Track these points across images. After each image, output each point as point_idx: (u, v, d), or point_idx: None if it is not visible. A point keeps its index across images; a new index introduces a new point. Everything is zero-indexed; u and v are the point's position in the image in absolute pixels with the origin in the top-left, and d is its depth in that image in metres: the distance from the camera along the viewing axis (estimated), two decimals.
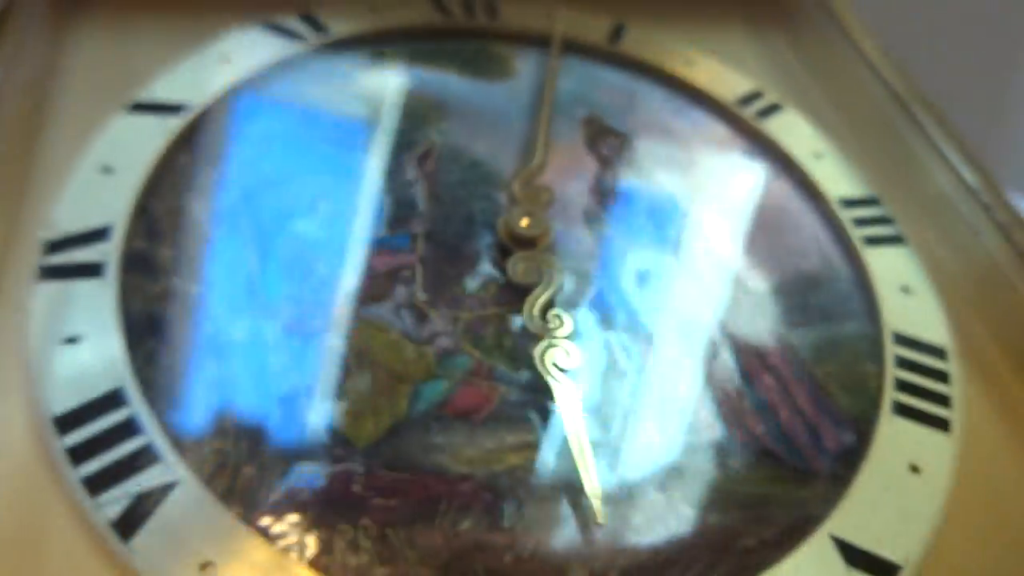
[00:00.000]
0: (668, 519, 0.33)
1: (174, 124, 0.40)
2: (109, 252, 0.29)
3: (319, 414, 0.33)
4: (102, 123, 0.40)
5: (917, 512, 0.33)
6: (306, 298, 0.36)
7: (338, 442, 0.32)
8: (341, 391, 0.34)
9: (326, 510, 0.30)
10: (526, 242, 0.39)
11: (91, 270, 0.30)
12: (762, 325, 0.39)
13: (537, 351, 0.34)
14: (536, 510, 0.31)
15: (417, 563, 0.29)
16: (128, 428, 0.26)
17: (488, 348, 0.37)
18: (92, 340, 0.27)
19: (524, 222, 0.38)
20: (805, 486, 0.34)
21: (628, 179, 0.45)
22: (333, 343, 0.35)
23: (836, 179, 0.47)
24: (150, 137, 0.40)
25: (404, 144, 0.44)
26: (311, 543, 0.29)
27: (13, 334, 0.33)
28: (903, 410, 0.36)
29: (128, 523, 0.24)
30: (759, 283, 0.41)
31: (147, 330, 0.34)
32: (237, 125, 0.42)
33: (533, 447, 0.33)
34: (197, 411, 0.32)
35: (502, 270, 0.39)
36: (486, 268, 0.39)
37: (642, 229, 0.43)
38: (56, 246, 0.29)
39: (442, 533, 0.30)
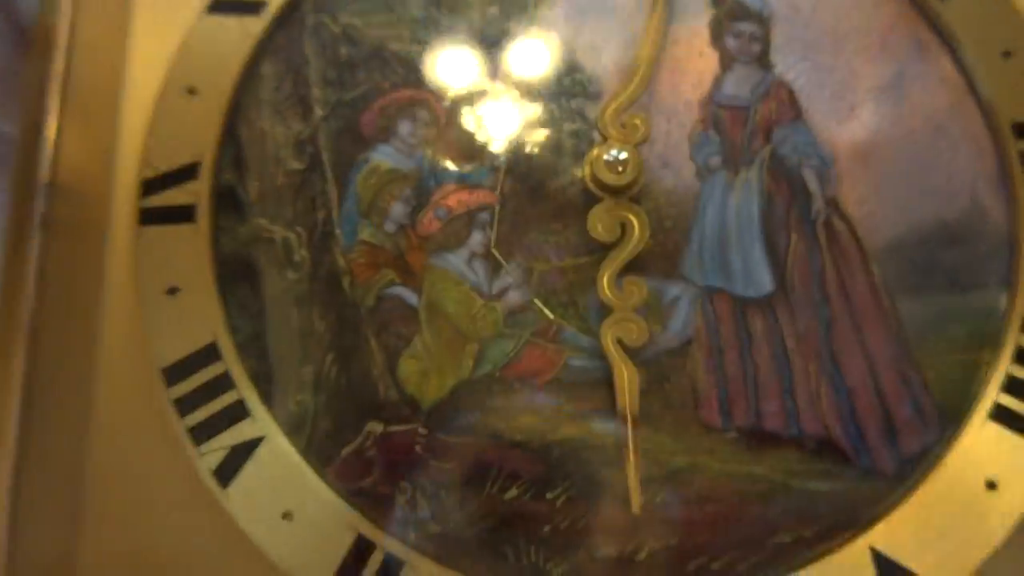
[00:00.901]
0: (707, 506, 0.34)
1: (254, 27, 0.39)
2: (200, 192, 0.31)
3: (391, 371, 0.36)
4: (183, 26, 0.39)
5: (976, 535, 0.32)
6: (383, 243, 0.37)
7: (406, 401, 0.36)
8: (413, 347, 0.36)
9: (391, 468, 0.34)
10: (612, 189, 0.37)
11: (185, 214, 0.33)
12: (868, 287, 0.37)
13: (605, 324, 0.35)
14: (580, 486, 0.34)
15: (465, 525, 0.33)
16: (223, 382, 0.29)
17: (559, 306, 0.37)
18: (190, 291, 0.30)
19: (607, 173, 0.36)
20: (863, 486, 0.34)
21: (751, 88, 0.40)
22: (408, 296, 0.37)
23: (1018, 93, 0.39)
24: (231, 45, 0.39)
25: (493, 38, 0.40)
26: (376, 498, 0.34)
27: (123, 279, 0.36)
28: (1002, 415, 0.34)
29: (224, 472, 0.28)
30: (881, 233, 0.37)
31: (239, 275, 0.37)
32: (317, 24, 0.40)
33: (588, 419, 0.35)
34: (283, 363, 0.36)
35: (586, 219, 0.37)
36: (570, 211, 0.37)
37: (755, 161, 0.39)
38: (152, 186, 0.31)
39: (489, 499, 0.33)
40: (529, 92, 0.38)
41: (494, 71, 0.39)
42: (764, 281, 0.36)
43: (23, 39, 0.39)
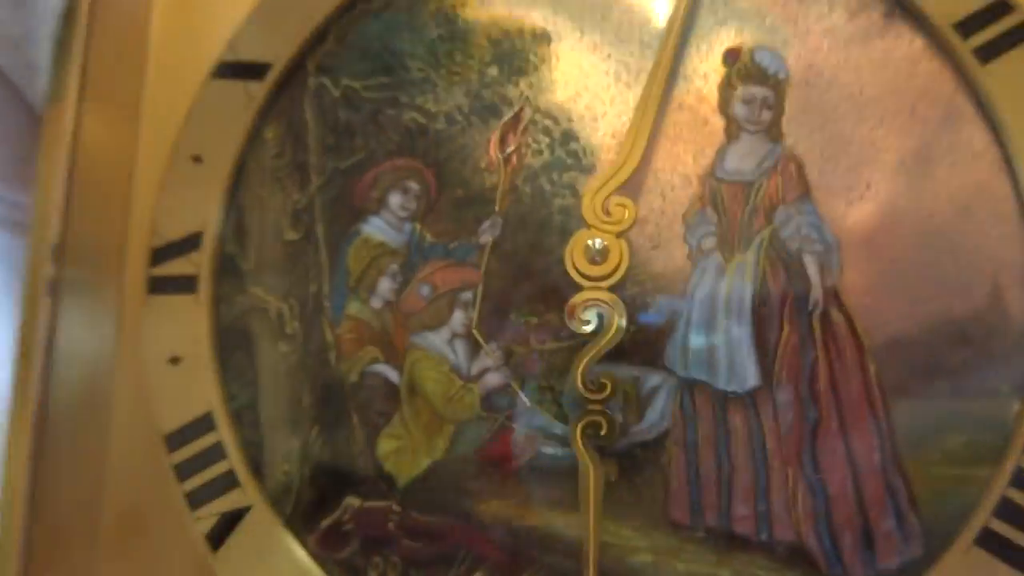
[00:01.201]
0: None
1: (258, 91, 0.41)
2: (202, 262, 0.33)
3: (371, 447, 0.38)
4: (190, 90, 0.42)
5: None
6: (369, 319, 0.39)
7: (383, 477, 0.38)
8: (393, 425, 0.38)
9: (366, 542, 0.37)
10: (591, 278, 0.38)
11: (188, 283, 0.34)
12: (861, 387, 0.35)
13: (577, 417, 0.36)
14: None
15: None
16: (217, 452, 0.32)
17: (535, 391, 0.38)
18: (190, 360, 0.33)
19: (585, 263, 0.36)
20: None
21: (757, 162, 0.38)
22: (389, 373, 0.39)
23: None
24: (235, 111, 0.41)
25: (489, 103, 0.40)
26: (352, 570, 0.36)
27: (131, 347, 0.40)
28: (991, 541, 0.32)
29: (215, 537, 0.31)
30: (883, 328, 0.35)
31: (236, 344, 0.40)
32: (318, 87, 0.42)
33: (555, 509, 0.36)
34: (274, 432, 0.39)
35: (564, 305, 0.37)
36: (552, 293, 0.38)
37: (753, 244, 0.37)
38: (159, 255, 0.33)
39: None
40: (520, 164, 0.38)
41: (486, 140, 0.38)
42: (749, 376, 0.35)
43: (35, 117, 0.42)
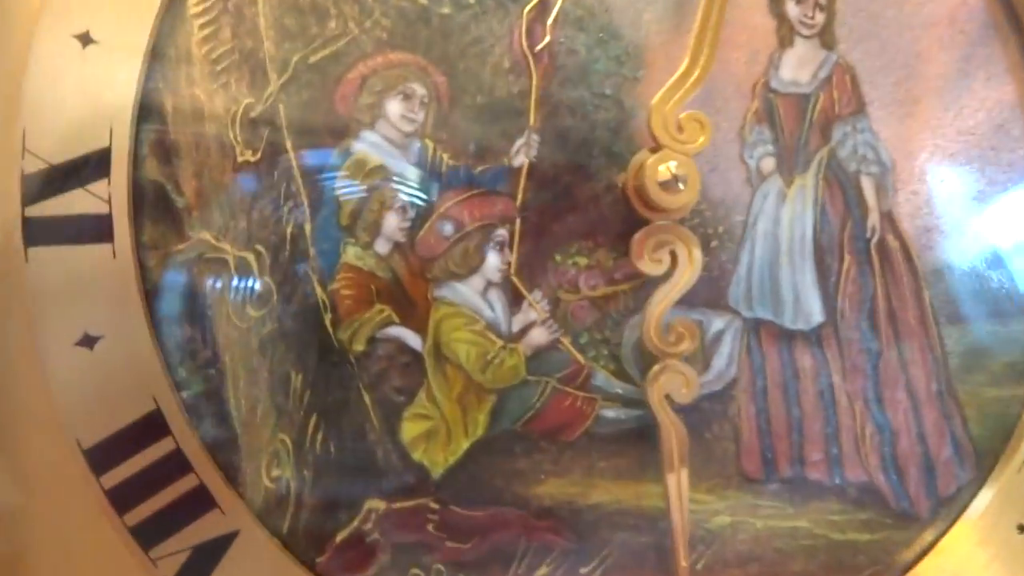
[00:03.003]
0: (749, 567, 0.32)
1: None
2: (114, 195, 0.22)
3: (392, 434, 0.30)
4: None
5: None
6: (375, 268, 0.30)
7: (412, 469, 0.31)
8: (418, 403, 0.30)
9: (398, 551, 0.30)
10: (662, 210, 0.32)
11: (94, 227, 0.22)
12: (917, 316, 0.33)
13: (651, 376, 0.31)
14: (617, 557, 0.30)
15: None
16: (174, 463, 0.22)
17: (591, 345, 0.32)
18: (113, 339, 0.22)
19: (661, 193, 0.30)
20: (899, 533, 0.33)
21: (812, 71, 0.34)
22: (408, 338, 0.30)
23: None
24: None
25: None
26: None
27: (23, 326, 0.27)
28: None
29: None
30: (933, 252, 0.34)
31: (181, 313, 0.28)
32: None
33: (624, 478, 0.31)
34: (251, 429, 0.29)
35: (625, 240, 0.31)
36: (602, 226, 0.32)
37: (811, 165, 0.34)
38: (39, 186, 0.22)
39: None
40: (553, 65, 0.30)
41: (509, 32, 0.30)
42: (815, 311, 0.34)
43: None
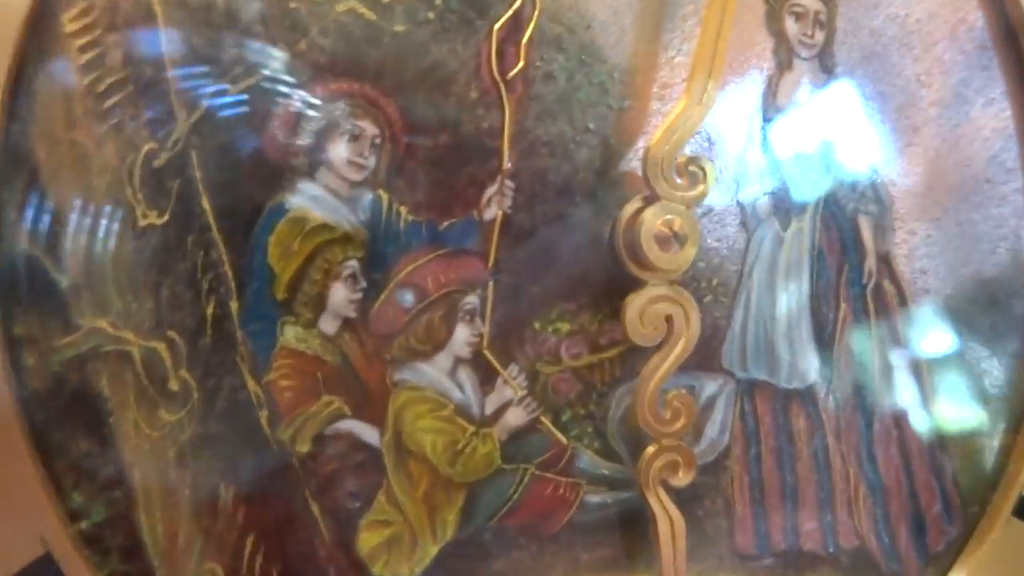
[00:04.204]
0: None
1: None
2: None
3: (347, 547, 0.25)
4: None
5: None
6: (320, 352, 0.25)
7: None
8: (377, 508, 0.26)
9: None
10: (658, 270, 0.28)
11: None
12: (912, 364, 0.32)
13: (643, 458, 0.27)
14: None
15: None
16: None
17: (574, 422, 0.28)
18: None
19: (659, 252, 0.26)
20: None
21: (814, 95, 0.31)
22: (363, 432, 0.25)
23: None
24: None
25: (478, 6, 0.27)
26: None
27: None
28: None
29: None
30: (928, 295, 0.32)
31: (70, 422, 0.22)
32: None
33: (613, 570, 0.28)
34: (171, 560, 0.23)
35: (611, 299, 0.28)
36: (585, 284, 0.28)
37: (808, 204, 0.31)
38: None
39: None
40: (528, 94, 0.26)
41: (475, 54, 0.25)
42: (810, 367, 0.32)
43: None
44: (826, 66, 0.34)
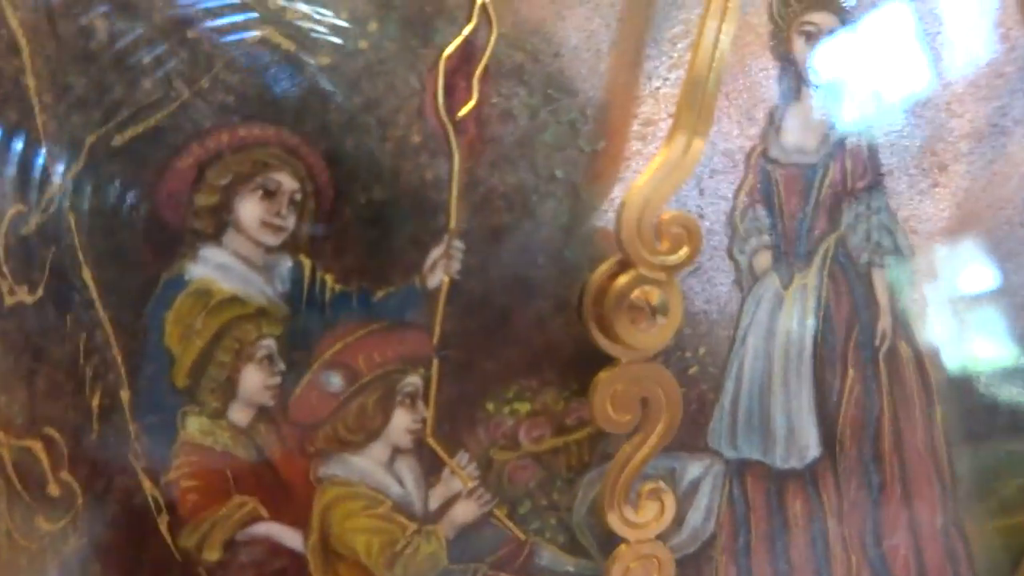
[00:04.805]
0: None
1: None
2: None
3: None
4: None
5: None
6: (230, 446, 0.21)
7: None
8: None
9: None
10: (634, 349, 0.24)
11: None
12: (927, 439, 0.28)
13: (611, 559, 0.24)
14: None
15: None
16: None
17: (534, 514, 0.25)
18: None
19: (633, 332, 0.22)
20: None
21: (821, 136, 0.27)
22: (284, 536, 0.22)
23: None
24: None
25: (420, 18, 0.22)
26: None
27: None
28: None
29: None
30: (951, 360, 0.28)
31: None
32: None
33: None
34: None
35: (580, 374, 0.24)
36: (548, 357, 0.24)
37: (815, 258, 0.27)
38: None
39: None
40: (482, 136, 0.22)
41: (418, 89, 0.22)
42: (811, 445, 0.28)
43: None
44: (842, 96, 0.30)
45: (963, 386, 0.32)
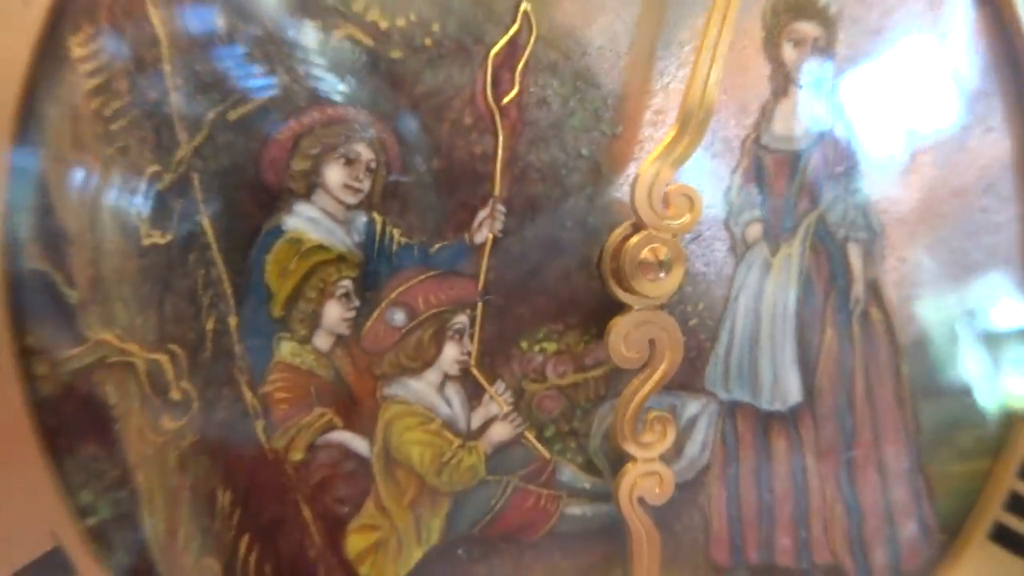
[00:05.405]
0: None
1: None
2: None
3: (336, 549, 0.27)
4: None
5: None
6: (314, 366, 0.26)
7: None
8: (365, 513, 0.27)
9: None
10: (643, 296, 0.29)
11: None
12: (894, 391, 0.33)
13: (624, 477, 0.28)
14: None
15: None
16: None
17: (557, 438, 0.30)
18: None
19: (643, 281, 0.27)
20: None
21: (806, 126, 0.31)
22: (354, 443, 0.27)
23: None
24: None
25: (473, 23, 0.27)
26: None
27: None
28: (1003, 536, 0.33)
29: None
30: (915, 323, 0.33)
31: (79, 429, 0.24)
32: None
33: None
34: (171, 554, 0.25)
35: (598, 321, 0.29)
36: (573, 306, 0.29)
37: (798, 231, 0.32)
38: None
39: None
40: (523, 120, 0.26)
41: (471, 80, 0.26)
42: (793, 391, 0.32)
43: None
44: (824, 93, 0.35)
45: (927, 346, 0.36)
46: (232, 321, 0.27)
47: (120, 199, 0.26)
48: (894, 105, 0.35)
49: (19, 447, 0.25)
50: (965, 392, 0.37)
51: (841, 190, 0.35)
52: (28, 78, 0.25)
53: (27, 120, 0.25)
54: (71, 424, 0.26)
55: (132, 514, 0.27)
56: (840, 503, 0.36)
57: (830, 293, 0.35)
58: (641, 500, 0.31)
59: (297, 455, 0.27)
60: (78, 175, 0.25)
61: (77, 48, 0.26)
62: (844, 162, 0.35)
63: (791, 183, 0.35)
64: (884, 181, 0.35)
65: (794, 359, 0.35)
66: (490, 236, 0.29)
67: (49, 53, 0.25)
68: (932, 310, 0.36)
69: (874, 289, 0.36)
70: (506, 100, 0.29)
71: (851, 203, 0.35)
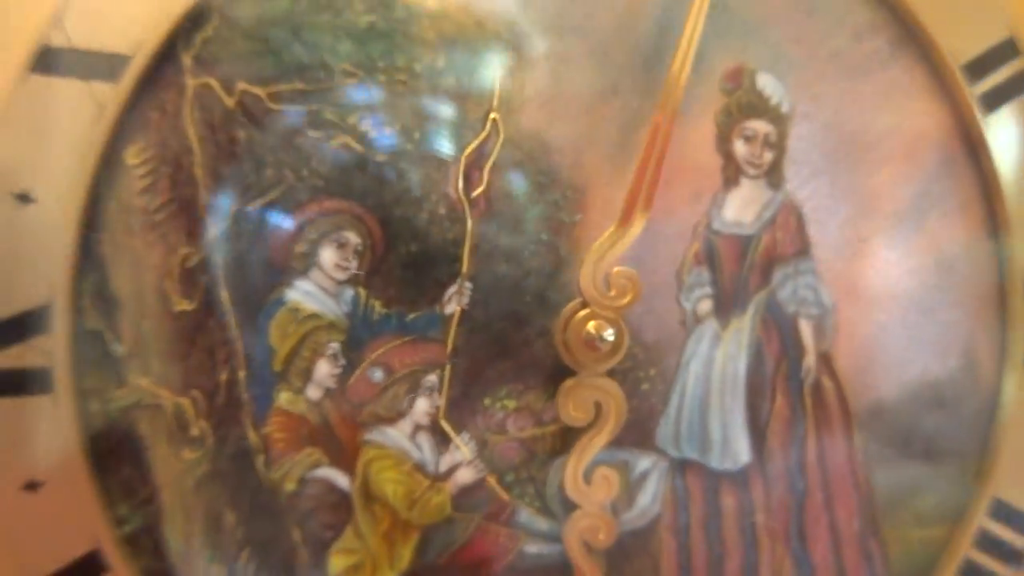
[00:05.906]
0: None
1: (108, 96, 0.30)
2: (54, 348, 0.24)
3: (320, 567, 0.32)
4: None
5: None
6: (306, 413, 0.32)
7: None
8: (345, 538, 0.32)
9: None
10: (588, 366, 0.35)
11: (36, 380, 0.31)
12: (847, 457, 0.34)
13: (570, 523, 0.32)
14: None
15: None
16: None
17: (517, 484, 0.34)
18: (55, 484, 0.25)
19: (585, 351, 0.31)
20: None
21: (756, 212, 0.34)
22: (337, 479, 0.32)
23: None
24: (75, 122, 0.29)
25: (448, 128, 0.32)
26: None
27: None
28: None
29: None
30: (869, 393, 0.35)
31: (119, 454, 0.30)
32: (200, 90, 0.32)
33: None
34: (186, 561, 0.30)
35: (556, 383, 0.33)
36: (533, 370, 0.33)
37: (748, 308, 0.35)
38: None
39: None
40: (490, 210, 0.31)
41: (444, 177, 0.31)
42: (742, 452, 0.36)
43: None
44: (773, 182, 0.38)
45: (882, 415, 0.38)
46: (242, 374, 0.34)
47: (158, 274, 0.33)
48: (847, 190, 0.37)
49: (73, 467, 0.32)
50: (924, 457, 0.38)
51: (792, 270, 0.38)
52: (92, 183, 0.32)
53: (94, 214, 0.32)
54: (113, 451, 0.33)
55: (157, 525, 0.34)
56: (790, 561, 0.38)
57: (781, 363, 0.38)
58: (587, 544, 0.35)
59: (290, 486, 0.36)
60: (128, 255, 0.32)
61: (131, 157, 0.33)
62: (794, 245, 0.38)
63: (742, 264, 0.38)
64: (836, 263, 0.38)
65: (744, 423, 0.38)
66: (459, 308, 0.35)
67: (111, 162, 0.32)
68: (886, 382, 0.38)
69: (826, 360, 0.39)
70: (475, 194, 0.35)
71: (802, 282, 0.38)
